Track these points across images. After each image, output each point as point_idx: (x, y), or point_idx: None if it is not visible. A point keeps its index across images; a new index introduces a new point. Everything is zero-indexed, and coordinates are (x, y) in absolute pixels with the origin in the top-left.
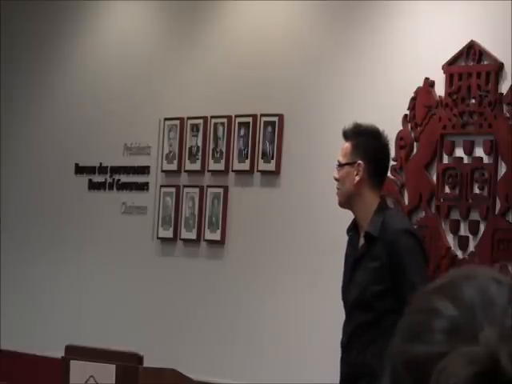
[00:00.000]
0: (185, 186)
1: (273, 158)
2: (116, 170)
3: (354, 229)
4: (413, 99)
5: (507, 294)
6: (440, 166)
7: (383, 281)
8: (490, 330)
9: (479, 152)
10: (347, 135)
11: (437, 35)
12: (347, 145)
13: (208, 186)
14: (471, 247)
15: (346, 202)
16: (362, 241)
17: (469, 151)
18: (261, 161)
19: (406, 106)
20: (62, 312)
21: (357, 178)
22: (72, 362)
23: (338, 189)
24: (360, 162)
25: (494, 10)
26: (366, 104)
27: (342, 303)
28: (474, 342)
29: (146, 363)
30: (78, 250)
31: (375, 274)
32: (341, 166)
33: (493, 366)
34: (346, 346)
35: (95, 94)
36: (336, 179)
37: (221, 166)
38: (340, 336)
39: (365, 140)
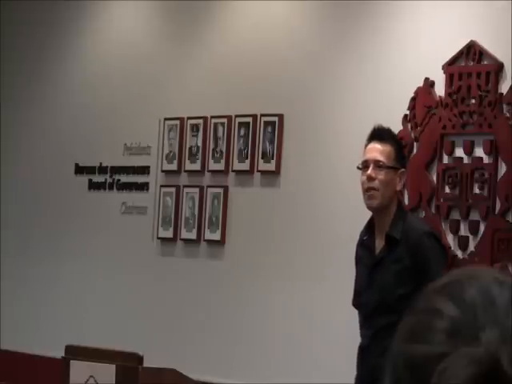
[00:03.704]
0: (185, 186)
1: (273, 158)
2: (116, 170)
3: (368, 232)
4: (413, 99)
5: (509, 295)
6: (440, 166)
7: (407, 283)
8: (491, 330)
9: (479, 152)
10: (384, 137)
11: (437, 35)
12: (388, 148)
13: (208, 186)
14: (471, 247)
15: (384, 206)
16: (380, 244)
17: (469, 151)
18: (261, 161)
19: (406, 105)
20: (62, 312)
21: (400, 186)
22: (72, 362)
23: (375, 189)
24: (403, 170)
25: (493, 10)
26: (367, 104)
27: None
28: (474, 343)
29: (146, 363)
30: (77, 250)
31: (398, 276)
32: (388, 168)
33: (493, 367)
34: (367, 349)
35: (95, 94)
36: (372, 178)
37: (221, 166)
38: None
39: (401, 147)
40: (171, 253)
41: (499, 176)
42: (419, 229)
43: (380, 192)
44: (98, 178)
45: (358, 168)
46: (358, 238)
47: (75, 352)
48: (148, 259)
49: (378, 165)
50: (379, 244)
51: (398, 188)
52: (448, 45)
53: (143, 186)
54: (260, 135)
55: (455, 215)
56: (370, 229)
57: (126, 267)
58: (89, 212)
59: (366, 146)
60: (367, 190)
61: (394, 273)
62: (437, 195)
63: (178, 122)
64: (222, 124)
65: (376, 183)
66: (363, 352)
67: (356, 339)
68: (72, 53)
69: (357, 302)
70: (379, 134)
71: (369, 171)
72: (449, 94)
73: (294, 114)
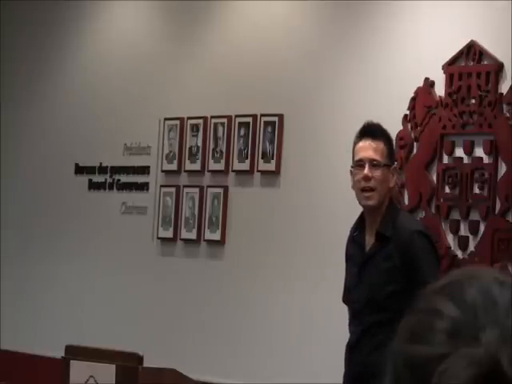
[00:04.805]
0: (185, 186)
1: (273, 158)
2: (116, 170)
3: (358, 228)
4: (413, 99)
5: (509, 295)
6: (440, 166)
7: (396, 281)
8: (491, 331)
9: (479, 152)
10: (376, 134)
11: (437, 35)
12: (381, 145)
13: (208, 186)
14: (471, 247)
15: (380, 203)
16: (370, 240)
17: (469, 151)
18: (261, 161)
19: (406, 106)
20: (62, 312)
21: (393, 182)
22: (72, 362)
23: (372, 189)
24: (395, 166)
25: (494, 10)
26: (367, 104)
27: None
28: (475, 344)
29: (146, 363)
30: (77, 250)
31: (388, 274)
32: (384, 166)
33: (493, 368)
34: (355, 346)
35: (95, 94)
36: (369, 178)
37: (221, 166)
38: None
39: (392, 143)
40: (171, 253)
41: (499, 176)
42: (410, 227)
43: (377, 191)
44: (97, 178)
45: (352, 167)
46: None
47: (75, 352)
48: (148, 259)
49: (373, 163)
50: (369, 241)
51: (391, 184)
52: (448, 45)
53: (143, 186)
54: (260, 135)
55: (455, 215)
56: (360, 224)
57: (126, 267)
58: (89, 212)
59: (357, 143)
60: (364, 190)
61: (384, 270)
62: (437, 195)
63: (177, 122)
64: (222, 124)
65: (373, 182)
66: (351, 349)
67: None
68: (72, 53)
69: (347, 299)
70: (371, 131)
71: (365, 171)
72: (449, 94)
73: (294, 114)
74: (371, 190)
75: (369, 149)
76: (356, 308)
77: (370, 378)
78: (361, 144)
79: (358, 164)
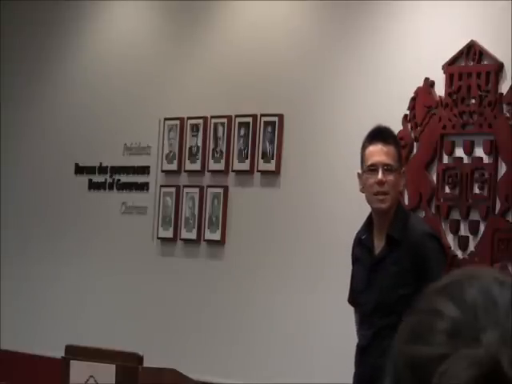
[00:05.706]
0: (185, 186)
1: (273, 158)
2: (116, 169)
3: (367, 230)
4: (413, 99)
5: (509, 295)
6: (440, 166)
7: (408, 284)
8: (491, 332)
9: (479, 152)
10: (387, 137)
11: (437, 35)
12: (392, 149)
13: (208, 186)
14: (471, 247)
15: (392, 207)
16: (380, 244)
17: (469, 151)
18: (261, 161)
19: (406, 106)
20: (62, 312)
21: (402, 186)
22: (72, 362)
23: (386, 193)
24: (404, 169)
25: (493, 10)
26: (367, 104)
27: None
28: (475, 344)
29: (146, 363)
30: (77, 250)
31: (399, 277)
32: (396, 170)
33: (494, 368)
34: (366, 348)
35: (95, 94)
36: (383, 182)
37: (221, 166)
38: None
39: (400, 146)
40: (171, 253)
41: (499, 176)
42: (420, 229)
43: (390, 195)
44: (97, 178)
45: (363, 171)
46: None
47: (75, 352)
48: (148, 259)
49: (386, 168)
50: (378, 244)
51: (401, 187)
52: (448, 45)
53: (143, 186)
54: (260, 135)
55: (455, 215)
56: (368, 227)
57: (126, 267)
58: (89, 212)
59: (367, 147)
60: (377, 194)
61: (394, 274)
62: (437, 195)
63: (178, 122)
64: (222, 124)
65: (386, 187)
66: (362, 352)
67: (355, 340)
68: (72, 53)
69: (354, 301)
70: (382, 135)
71: (379, 176)
72: (449, 94)
73: (294, 114)
74: (385, 194)
75: (381, 153)
76: (365, 311)
77: (380, 380)
78: (372, 148)
79: (371, 169)
